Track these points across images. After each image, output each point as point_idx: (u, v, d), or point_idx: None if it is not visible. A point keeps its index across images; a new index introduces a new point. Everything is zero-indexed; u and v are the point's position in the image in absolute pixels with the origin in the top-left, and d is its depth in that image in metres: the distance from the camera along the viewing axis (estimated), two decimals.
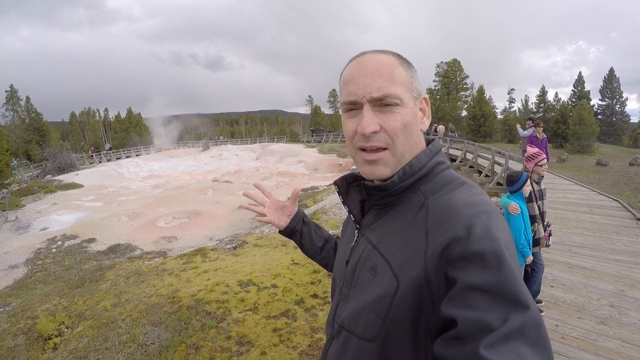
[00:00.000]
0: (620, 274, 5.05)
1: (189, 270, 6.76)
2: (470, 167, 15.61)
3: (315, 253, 1.30)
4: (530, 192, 3.68)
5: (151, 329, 4.71)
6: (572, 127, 27.12)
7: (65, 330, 5.36)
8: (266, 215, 1.26)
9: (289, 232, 1.29)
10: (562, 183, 12.21)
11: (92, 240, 10.76)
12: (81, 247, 10.24)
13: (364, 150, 0.80)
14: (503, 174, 11.25)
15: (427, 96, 0.87)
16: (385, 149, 0.78)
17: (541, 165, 3.92)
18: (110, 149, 43.86)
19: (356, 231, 0.92)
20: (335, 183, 1.00)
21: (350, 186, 0.99)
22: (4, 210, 14.90)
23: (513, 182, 3.58)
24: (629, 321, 3.91)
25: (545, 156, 4.00)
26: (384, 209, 0.84)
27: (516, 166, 10.75)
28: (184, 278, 6.35)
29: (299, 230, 1.29)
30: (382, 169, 0.79)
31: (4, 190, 18.45)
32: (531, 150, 4.02)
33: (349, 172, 1.00)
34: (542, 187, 3.99)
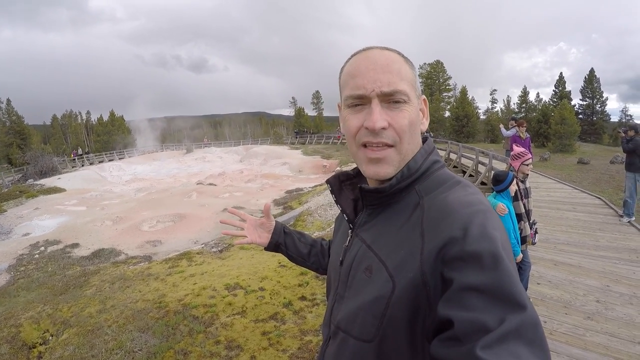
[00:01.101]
0: (605, 269, 5.16)
1: (175, 274, 6.66)
2: (454, 167, 15.75)
3: (304, 260, 1.30)
4: (516, 191, 3.72)
5: (138, 335, 4.61)
6: (553, 127, 27.73)
7: (50, 338, 5.20)
8: (247, 237, 1.26)
9: (273, 246, 1.29)
10: (545, 182, 12.42)
11: (75, 245, 10.52)
12: (64, 252, 10.00)
13: (366, 147, 0.78)
14: (487, 174, 11.38)
15: (425, 97, 0.87)
16: (391, 146, 0.77)
17: (527, 164, 3.97)
18: (86, 153, 42.80)
19: (349, 231, 0.91)
20: (327, 182, 0.99)
21: (342, 185, 0.98)
22: None
23: (500, 182, 3.60)
24: (615, 315, 4.00)
25: (530, 155, 4.06)
26: (378, 208, 0.83)
27: (500, 166, 10.87)
28: (170, 282, 6.25)
29: (283, 243, 1.29)
30: (386, 168, 0.78)
31: None
32: (517, 149, 4.07)
33: (338, 170, 1.01)
34: (527, 185, 4.05)
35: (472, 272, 0.59)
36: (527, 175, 4.03)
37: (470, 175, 13.49)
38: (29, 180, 25.62)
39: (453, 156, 16.34)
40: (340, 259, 0.91)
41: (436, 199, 0.74)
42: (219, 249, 8.47)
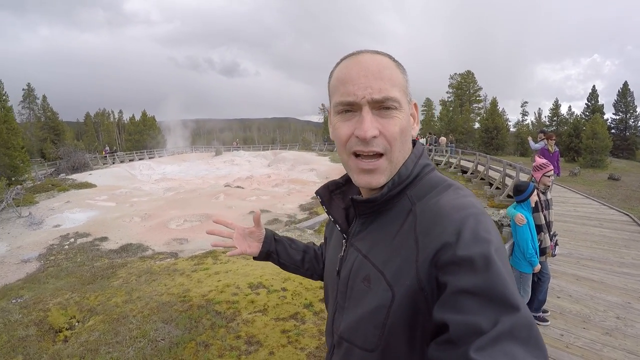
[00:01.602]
0: (627, 286, 5.08)
1: (200, 271, 6.87)
2: (481, 179, 15.62)
3: (298, 267, 1.28)
4: (537, 202, 3.75)
5: (162, 325, 4.82)
6: (585, 141, 27.02)
7: (76, 324, 5.47)
8: (236, 248, 1.20)
9: (264, 255, 1.24)
10: (573, 197, 12.17)
11: (104, 238, 10.94)
12: (93, 245, 10.42)
13: (357, 156, 0.78)
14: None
15: (416, 101, 0.86)
16: (381, 155, 0.76)
17: (548, 176, 3.99)
18: (113, 151, 43.75)
19: (344, 241, 0.91)
20: (317, 193, 0.97)
21: (332, 194, 0.98)
22: (18, 206, 15.24)
23: (520, 192, 3.65)
24: (635, 333, 3.95)
25: (552, 167, 4.07)
26: (370, 217, 0.83)
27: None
28: (195, 278, 6.46)
29: (274, 251, 1.25)
30: (378, 178, 0.77)
31: (19, 186, 18.82)
32: (539, 160, 4.09)
33: (329, 180, 1.00)
34: (549, 197, 4.05)
35: (465, 276, 0.60)
36: (549, 186, 4.05)
37: (497, 188, 13.37)
38: (61, 175, 26.58)
39: (481, 168, 16.20)
40: (337, 269, 0.91)
41: (428, 204, 0.74)
42: None
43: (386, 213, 0.80)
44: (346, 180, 0.98)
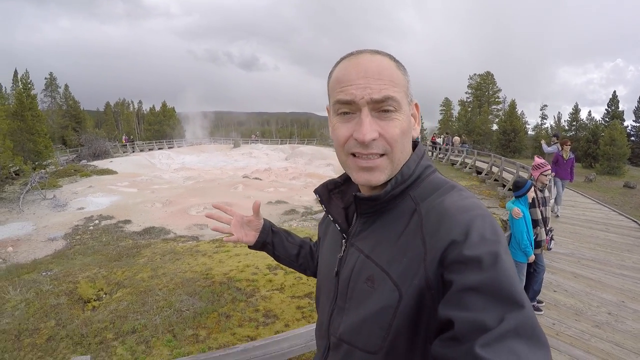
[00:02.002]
0: (624, 287, 5.32)
1: (221, 252, 7.30)
2: (495, 180, 15.81)
3: (292, 261, 1.28)
4: (534, 199, 4.09)
5: (186, 297, 5.28)
6: (602, 148, 26.69)
7: (104, 295, 5.94)
8: (233, 235, 1.21)
9: (259, 245, 1.25)
10: (584, 201, 12.34)
11: (127, 221, 11.51)
12: (117, 226, 11.00)
13: (356, 156, 0.77)
14: None
15: (417, 102, 0.85)
16: (382, 154, 0.76)
17: (546, 175, 4.33)
18: (131, 141, 44.65)
19: (343, 241, 0.90)
20: (316, 192, 0.97)
21: (331, 194, 0.97)
22: (43, 189, 15.98)
23: (518, 188, 4.01)
24: (625, 328, 4.20)
25: (549, 167, 4.40)
26: (373, 216, 0.83)
27: None
28: (216, 259, 6.92)
29: (270, 242, 1.26)
30: (378, 176, 0.77)
31: (42, 170, 19.63)
32: (538, 160, 4.43)
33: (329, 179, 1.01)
34: (546, 194, 4.40)
35: (471, 274, 0.60)
36: (546, 184, 4.38)
37: (510, 189, 13.55)
38: (83, 161, 27.31)
39: (495, 169, 16.40)
40: (336, 269, 0.89)
41: (433, 204, 0.74)
42: None
43: (388, 212, 0.80)
44: (345, 180, 0.98)
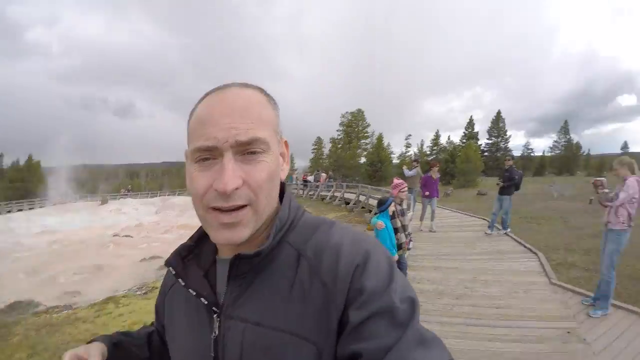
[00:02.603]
0: (476, 267, 6.59)
1: (104, 316, 6.81)
2: (362, 207, 17.47)
3: None
4: (394, 211, 4.94)
5: None
6: (459, 165, 31.01)
7: None
8: None
9: None
10: (441, 212, 14.07)
11: None
12: None
13: (218, 209, 0.65)
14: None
15: (286, 139, 0.77)
16: (245, 205, 0.65)
17: (403, 192, 5.27)
18: None
19: (215, 316, 0.71)
20: (167, 263, 0.78)
21: (185, 261, 0.79)
22: None
23: (382, 204, 4.84)
24: (478, 295, 5.37)
25: (406, 185, 5.35)
26: (248, 276, 0.70)
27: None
28: (99, 323, 6.42)
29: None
30: (241, 232, 0.66)
31: None
32: (396, 181, 5.40)
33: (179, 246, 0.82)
34: (405, 207, 5.34)
35: (369, 304, 0.60)
36: (403, 200, 5.31)
37: (376, 214, 15.03)
38: None
39: (362, 198, 18.31)
40: (212, 354, 0.70)
41: (320, 245, 0.68)
42: (144, 291, 8.71)
43: (266, 267, 0.69)
44: (197, 241, 0.82)
